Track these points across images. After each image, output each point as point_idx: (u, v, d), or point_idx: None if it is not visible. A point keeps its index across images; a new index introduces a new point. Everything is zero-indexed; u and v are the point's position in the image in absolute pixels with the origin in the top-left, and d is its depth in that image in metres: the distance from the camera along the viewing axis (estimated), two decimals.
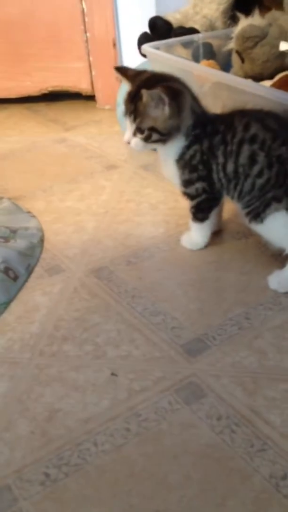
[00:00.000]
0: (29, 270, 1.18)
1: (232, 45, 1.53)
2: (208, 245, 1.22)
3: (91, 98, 2.13)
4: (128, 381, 0.90)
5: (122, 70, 1.13)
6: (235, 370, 0.91)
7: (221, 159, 1.07)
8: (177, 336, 0.99)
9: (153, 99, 1.03)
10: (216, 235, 1.25)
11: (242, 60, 1.50)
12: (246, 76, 1.50)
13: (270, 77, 1.46)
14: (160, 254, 1.22)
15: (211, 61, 1.57)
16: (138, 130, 1.07)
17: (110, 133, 1.88)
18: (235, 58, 1.54)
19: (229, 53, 1.58)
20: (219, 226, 1.25)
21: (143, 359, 0.94)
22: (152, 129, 1.06)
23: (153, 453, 0.78)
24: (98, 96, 2.11)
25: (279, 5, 1.56)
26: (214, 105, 1.21)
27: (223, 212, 1.25)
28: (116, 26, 1.96)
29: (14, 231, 1.28)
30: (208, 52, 1.62)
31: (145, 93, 1.02)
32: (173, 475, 0.75)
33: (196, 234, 1.21)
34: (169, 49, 1.56)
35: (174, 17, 1.72)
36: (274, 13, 1.50)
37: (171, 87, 1.05)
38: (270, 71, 1.48)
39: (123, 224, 1.33)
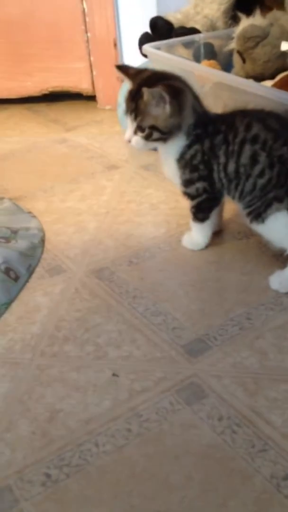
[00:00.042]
0: (30, 271, 1.18)
1: (233, 45, 1.53)
2: (209, 245, 1.22)
3: (92, 98, 2.13)
4: (129, 382, 0.90)
5: (123, 69, 1.13)
6: (236, 371, 0.91)
7: (222, 159, 1.07)
8: (178, 336, 0.99)
9: (154, 98, 1.03)
10: (217, 235, 1.24)
11: (243, 60, 1.50)
12: (247, 76, 1.50)
13: (271, 77, 1.46)
14: (161, 254, 1.22)
15: (212, 61, 1.57)
16: (139, 128, 1.07)
17: (111, 133, 1.88)
18: (236, 58, 1.54)
19: (230, 53, 1.58)
20: (220, 226, 1.25)
21: (144, 359, 0.94)
22: (153, 128, 1.06)
23: (154, 453, 0.78)
24: (99, 96, 2.11)
25: (281, 5, 1.56)
26: (215, 105, 1.21)
27: (224, 212, 1.25)
28: (117, 26, 1.96)
29: (15, 232, 1.28)
30: (209, 52, 1.62)
31: (146, 91, 1.02)
32: (174, 476, 0.75)
33: (197, 234, 1.21)
34: (170, 49, 1.56)
35: (175, 17, 1.72)
36: (275, 13, 1.50)
37: (172, 85, 1.05)
38: (271, 71, 1.47)
39: (124, 225, 1.33)
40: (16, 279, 1.14)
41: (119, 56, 2.00)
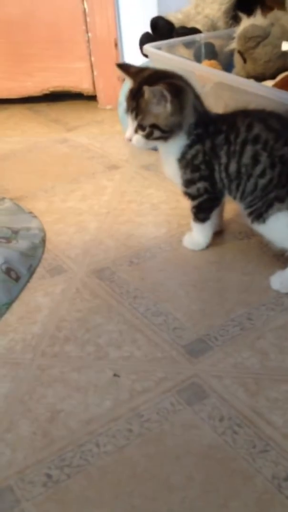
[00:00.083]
0: (31, 271, 1.18)
1: (234, 45, 1.53)
2: (210, 245, 1.22)
3: (92, 98, 2.13)
4: (130, 382, 0.90)
5: (124, 67, 1.12)
6: (237, 371, 0.90)
7: (224, 159, 1.07)
8: (179, 336, 0.98)
9: (155, 96, 1.03)
10: (218, 235, 1.24)
11: (244, 60, 1.50)
12: (248, 76, 1.49)
13: (272, 77, 1.46)
14: (162, 254, 1.22)
15: (213, 61, 1.57)
16: (140, 127, 1.07)
17: (111, 133, 1.88)
18: (237, 58, 1.53)
19: (231, 53, 1.58)
20: (220, 226, 1.25)
21: (145, 359, 0.94)
22: (154, 126, 1.06)
23: (155, 454, 0.78)
24: (100, 96, 2.11)
25: (281, 5, 1.55)
26: (216, 105, 1.21)
27: (225, 212, 1.25)
28: (118, 26, 1.96)
29: (15, 232, 1.28)
30: (210, 52, 1.62)
31: (147, 89, 1.02)
32: (175, 476, 0.75)
33: (197, 235, 1.21)
34: (171, 49, 1.56)
35: (176, 17, 1.72)
36: (276, 13, 1.50)
37: (174, 84, 1.05)
38: (272, 71, 1.47)
39: (125, 225, 1.33)
40: (17, 279, 1.14)
41: (120, 56, 2.00)
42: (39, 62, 2.07)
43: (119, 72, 1.32)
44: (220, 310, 1.04)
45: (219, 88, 1.33)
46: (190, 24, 1.69)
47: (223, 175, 1.08)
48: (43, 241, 1.28)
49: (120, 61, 1.98)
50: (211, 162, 1.09)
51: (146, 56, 1.59)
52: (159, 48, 1.53)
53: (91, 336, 1.00)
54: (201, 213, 1.17)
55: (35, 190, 1.52)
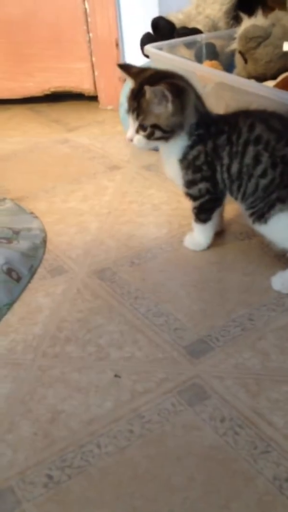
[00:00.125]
0: (32, 271, 1.18)
1: (235, 45, 1.53)
2: (211, 246, 1.21)
3: (93, 98, 2.13)
4: (131, 383, 0.90)
5: (125, 67, 1.12)
6: (239, 372, 0.90)
7: (226, 160, 1.07)
8: (180, 337, 0.98)
9: (157, 96, 1.02)
10: (219, 235, 1.24)
11: (245, 61, 1.50)
12: (249, 76, 1.49)
13: (273, 77, 1.46)
14: (163, 255, 1.22)
15: (214, 62, 1.57)
16: (141, 127, 1.07)
17: (112, 133, 1.88)
18: (238, 59, 1.53)
19: (232, 54, 1.58)
20: (221, 226, 1.25)
21: (146, 360, 0.94)
22: (155, 126, 1.06)
23: (157, 455, 0.78)
24: (101, 96, 2.11)
25: (283, 5, 1.55)
26: (217, 106, 1.21)
27: (226, 213, 1.25)
28: (119, 27, 1.96)
29: (16, 232, 1.28)
30: (211, 53, 1.62)
31: (148, 89, 1.02)
32: (176, 477, 0.75)
33: (199, 235, 1.20)
34: (172, 49, 1.56)
35: (177, 18, 1.71)
36: (277, 13, 1.50)
37: (175, 84, 1.05)
38: (273, 72, 1.47)
39: (126, 225, 1.33)
40: (18, 279, 1.14)
41: (121, 56, 2.00)
42: (40, 62, 2.07)
43: (120, 73, 1.32)
44: (221, 311, 1.04)
45: (220, 89, 1.33)
46: (191, 25, 1.69)
47: (225, 175, 1.08)
48: (44, 241, 1.28)
49: (121, 62, 1.98)
50: (213, 163, 1.08)
51: (147, 56, 1.59)
52: (160, 49, 1.53)
53: (92, 337, 1.00)
54: (202, 213, 1.17)
55: (36, 191, 1.52)
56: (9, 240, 1.24)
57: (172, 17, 1.71)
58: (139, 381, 0.90)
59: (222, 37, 1.63)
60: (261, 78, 1.47)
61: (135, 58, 1.78)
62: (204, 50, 1.62)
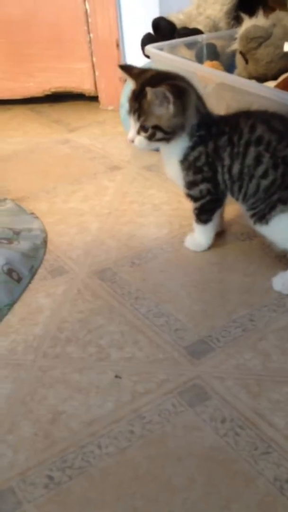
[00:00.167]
0: (33, 272, 1.18)
1: (236, 45, 1.53)
2: (211, 246, 1.21)
3: (94, 99, 2.13)
4: (132, 383, 0.90)
5: (127, 68, 1.12)
6: (239, 372, 0.90)
7: (227, 161, 1.07)
8: (181, 338, 0.98)
9: (158, 97, 1.02)
10: (220, 236, 1.24)
11: (246, 61, 1.50)
12: (250, 77, 1.49)
13: (274, 78, 1.46)
14: (164, 255, 1.22)
15: (214, 62, 1.57)
16: (142, 128, 1.07)
17: (113, 134, 1.88)
18: (239, 59, 1.53)
19: (233, 54, 1.58)
20: (221, 227, 1.25)
21: (147, 361, 0.94)
22: (156, 128, 1.06)
23: (157, 455, 0.78)
24: (102, 96, 2.11)
25: (283, 6, 1.55)
26: (218, 106, 1.21)
27: (227, 213, 1.25)
28: (120, 27, 1.96)
29: (17, 233, 1.28)
30: (212, 53, 1.62)
31: (149, 91, 1.02)
32: (177, 478, 0.75)
33: (199, 236, 1.20)
34: (172, 50, 1.56)
35: (178, 18, 1.71)
36: (278, 14, 1.50)
37: (176, 85, 1.04)
38: (274, 72, 1.47)
39: (126, 225, 1.33)
40: (19, 280, 1.14)
41: (122, 56, 2.00)
42: (41, 62, 2.07)
43: (121, 73, 1.32)
44: (222, 311, 1.04)
45: (221, 89, 1.33)
46: (192, 25, 1.69)
47: (226, 176, 1.08)
48: (45, 242, 1.28)
49: (122, 62, 1.98)
50: (214, 164, 1.08)
51: (147, 57, 1.59)
52: (160, 49, 1.53)
53: (92, 337, 1.00)
54: (203, 214, 1.17)
55: (36, 191, 1.52)
56: (9, 241, 1.24)
57: (173, 18, 1.70)
58: (140, 381, 0.90)
59: (223, 38, 1.63)
60: (262, 79, 1.47)
61: (136, 58, 1.77)
62: (205, 51, 1.62)
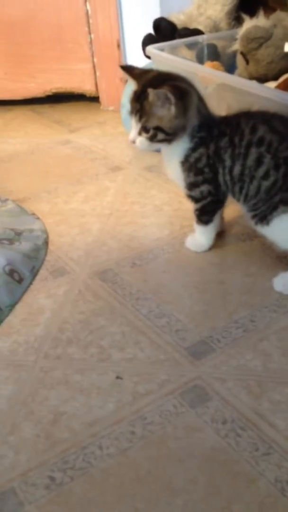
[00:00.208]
0: (34, 273, 1.18)
1: (236, 46, 1.53)
2: (212, 247, 1.21)
3: (95, 99, 2.13)
4: (133, 384, 0.90)
5: (128, 69, 1.12)
6: (240, 373, 0.90)
7: (228, 162, 1.07)
8: (182, 338, 0.98)
9: (160, 98, 1.02)
10: (221, 237, 1.24)
11: (247, 62, 1.50)
12: (251, 77, 1.49)
13: (275, 78, 1.46)
14: (165, 256, 1.22)
15: (215, 63, 1.57)
16: (144, 129, 1.07)
17: (114, 134, 1.88)
18: (239, 60, 1.53)
19: (234, 54, 1.58)
20: (221, 227, 1.25)
21: (148, 362, 0.94)
22: (158, 129, 1.06)
23: (158, 456, 0.78)
24: (102, 97, 2.11)
25: (284, 6, 1.55)
26: (219, 107, 1.21)
27: (227, 214, 1.25)
28: (121, 28, 1.96)
29: (18, 233, 1.28)
30: (213, 54, 1.62)
31: (151, 92, 1.02)
32: (178, 479, 0.75)
33: (200, 236, 1.20)
34: (173, 50, 1.56)
35: (178, 18, 1.71)
36: (279, 14, 1.50)
37: (178, 87, 1.04)
38: (274, 72, 1.47)
39: (127, 226, 1.33)
40: (20, 281, 1.14)
41: (123, 57, 2.00)
42: (42, 63, 2.07)
43: (121, 73, 1.31)
44: (222, 312, 1.04)
45: (222, 90, 1.33)
46: (193, 25, 1.69)
47: (227, 177, 1.08)
48: (46, 242, 1.28)
49: (123, 63, 1.98)
50: (215, 165, 1.08)
51: (148, 57, 1.59)
52: (161, 50, 1.53)
53: (94, 338, 1.00)
54: (204, 215, 1.17)
55: (38, 192, 1.52)
56: (11, 241, 1.24)
57: (174, 18, 1.71)
58: (141, 382, 0.90)
59: (223, 38, 1.63)
60: (262, 79, 1.47)
61: (137, 59, 1.78)
62: (205, 51, 1.62)
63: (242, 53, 1.50)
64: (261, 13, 1.48)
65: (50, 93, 2.13)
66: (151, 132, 1.07)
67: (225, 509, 0.71)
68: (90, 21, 1.98)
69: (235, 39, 1.53)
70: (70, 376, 0.92)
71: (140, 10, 1.90)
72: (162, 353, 0.96)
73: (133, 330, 1.01)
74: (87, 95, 2.12)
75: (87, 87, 2.10)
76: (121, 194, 1.49)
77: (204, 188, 1.11)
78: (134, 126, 1.09)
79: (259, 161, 1.03)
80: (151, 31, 1.69)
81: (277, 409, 0.84)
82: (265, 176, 1.03)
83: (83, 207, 1.43)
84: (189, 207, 1.20)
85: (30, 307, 1.09)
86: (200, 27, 1.68)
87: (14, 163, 1.71)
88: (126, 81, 1.75)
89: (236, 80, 1.35)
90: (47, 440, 0.81)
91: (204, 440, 0.80)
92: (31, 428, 0.83)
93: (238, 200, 1.10)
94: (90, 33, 2.00)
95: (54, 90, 2.12)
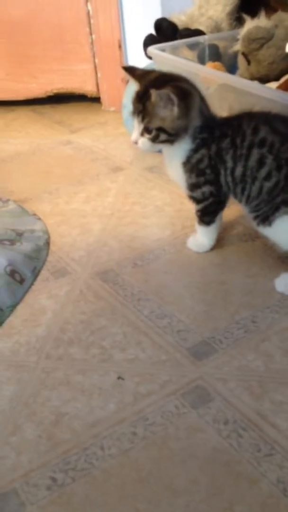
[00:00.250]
0: (35, 273, 1.18)
1: (238, 46, 1.53)
2: (214, 247, 1.21)
3: (96, 100, 2.13)
4: (135, 385, 0.90)
5: (130, 70, 1.12)
6: (242, 374, 0.90)
7: (230, 164, 1.07)
8: (184, 339, 0.98)
9: (162, 99, 1.02)
10: (222, 237, 1.24)
11: (248, 62, 1.50)
12: (252, 78, 1.49)
13: (276, 78, 1.46)
14: (166, 256, 1.22)
15: (217, 63, 1.57)
16: (146, 130, 1.07)
17: (115, 135, 1.88)
18: (241, 60, 1.53)
19: (235, 55, 1.58)
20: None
21: (150, 362, 0.94)
22: (160, 129, 1.06)
23: (160, 457, 0.78)
24: (104, 98, 2.11)
25: (285, 6, 1.55)
26: (220, 107, 1.21)
27: (229, 214, 1.25)
28: (122, 28, 1.96)
29: (20, 234, 1.28)
30: (214, 54, 1.62)
31: (154, 92, 1.02)
32: (180, 480, 0.75)
33: (202, 237, 1.20)
34: (174, 51, 1.56)
35: (180, 19, 1.72)
36: (280, 15, 1.50)
37: (180, 87, 1.04)
38: (276, 73, 1.47)
39: (128, 226, 1.33)
40: (21, 281, 1.14)
41: (124, 57, 2.00)
42: (43, 63, 2.07)
43: (123, 74, 1.31)
44: (224, 313, 1.04)
45: (223, 90, 1.33)
46: (194, 26, 1.69)
47: (229, 179, 1.08)
48: (47, 243, 1.28)
49: (124, 63, 1.98)
50: (217, 166, 1.08)
51: (150, 58, 1.59)
52: (163, 50, 1.53)
53: (95, 339, 1.00)
54: (206, 216, 1.17)
55: (39, 192, 1.52)
56: (12, 242, 1.24)
57: (175, 19, 1.71)
58: (143, 383, 0.90)
59: (225, 39, 1.63)
60: (264, 80, 1.47)
61: (138, 59, 1.78)
62: (207, 52, 1.62)
63: (243, 53, 1.50)
64: (262, 14, 1.49)
65: (51, 94, 2.13)
66: (154, 133, 1.06)
67: (227, 510, 0.71)
68: (91, 21, 1.98)
69: (237, 40, 1.53)
70: (71, 377, 0.92)
71: (141, 10, 1.90)
72: (164, 354, 0.96)
73: (135, 330, 1.01)
74: (88, 95, 2.12)
75: (88, 88, 2.10)
76: (122, 195, 1.48)
77: (206, 189, 1.11)
78: (136, 127, 1.09)
79: (261, 162, 1.03)
80: (153, 31, 1.69)
81: (279, 409, 0.83)
82: (267, 177, 1.03)
83: (84, 208, 1.43)
84: (191, 207, 1.20)
85: (32, 307, 1.09)
86: (202, 28, 1.68)
87: (15, 164, 1.72)
88: (127, 81, 1.75)
89: (237, 81, 1.35)
90: (49, 441, 0.81)
91: (206, 441, 0.80)
92: (33, 429, 0.83)
93: (240, 201, 1.10)
94: (91, 34, 2.00)
95: (55, 91, 2.12)
